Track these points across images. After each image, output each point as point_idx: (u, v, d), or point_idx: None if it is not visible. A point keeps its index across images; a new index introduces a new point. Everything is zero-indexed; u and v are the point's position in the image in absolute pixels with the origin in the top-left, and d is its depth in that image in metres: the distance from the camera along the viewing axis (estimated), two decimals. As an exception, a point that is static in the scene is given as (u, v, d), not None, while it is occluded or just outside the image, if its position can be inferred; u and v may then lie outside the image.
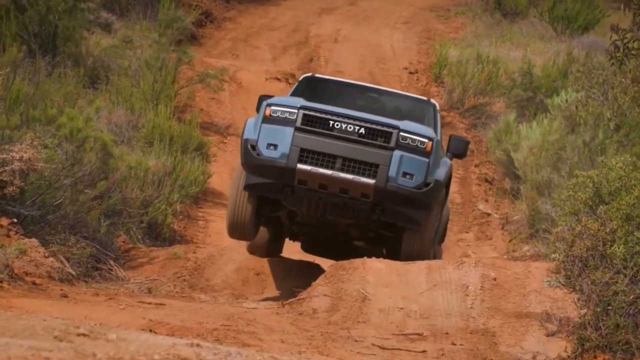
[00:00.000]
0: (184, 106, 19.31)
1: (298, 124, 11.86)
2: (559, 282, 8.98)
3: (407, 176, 11.88)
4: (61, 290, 10.32)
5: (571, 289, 8.96)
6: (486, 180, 17.49)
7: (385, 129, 11.97)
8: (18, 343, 6.08)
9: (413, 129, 12.09)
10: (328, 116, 11.95)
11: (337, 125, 11.90)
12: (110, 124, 16.06)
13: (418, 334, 10.43)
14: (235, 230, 12.34)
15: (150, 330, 8.26)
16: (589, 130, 14.71)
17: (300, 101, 12.17)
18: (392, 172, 11.83)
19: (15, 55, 14.28)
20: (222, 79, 20.09)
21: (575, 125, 14.97)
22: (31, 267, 10.51)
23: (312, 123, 11.92)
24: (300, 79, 13.62)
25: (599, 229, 8.63)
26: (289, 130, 11.86)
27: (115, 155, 13.51)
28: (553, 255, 9.24)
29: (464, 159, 18.68)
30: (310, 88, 13.40)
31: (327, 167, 11.83)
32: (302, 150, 11.81)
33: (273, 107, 11.97)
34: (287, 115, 11.92)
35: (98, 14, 19.29)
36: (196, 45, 23.06)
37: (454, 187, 17.35)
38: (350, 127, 11.90)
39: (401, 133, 11.95)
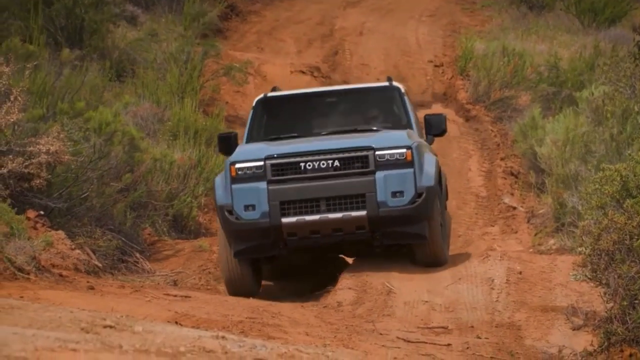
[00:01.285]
0: (210, 99, 19.35)
1: (269, 176, 11.25)
2: (585, 275, 8.94)
3: (397, 194, 11.32)
4: (88, 282, 10.37)
5: (597, 283, 8.92)
6: (512, 174, 17.44)
7: (359, 153, 11.35)
8: (45, 334, 6.12)
9: (387, 142, 11.45)
10: (297, 159, 11.31)
11: (309, 165, 11.29)
12: (136, 117, 16.12)
13: (443, 327, 10.42)
14: (238, 292, 11.52)
15: (176, 323, 8.30)
16: (616, 124, 14.64)
17: (262, 149, 11.47)
18: (381, 196, 11.27)
19: (43, 49, 14.36)
20: (247, 72, 20.12)
21: (603, 119, 14.90)
22: (58, 259, 10.56)
23: (282, 171, 11.30)
24: (254, 102, 12.77)
25: (625, 223, 8.60)
26: (262, 186, 11.23)
27: (141, 148, 13.56)
28: (579, 249, 9.20)
29: (489, 152, 18.73)
30: (267, 112, 12.60)
31: (313, 213, 11.24)
32: (282, 203, 11.21)
33: (237, 165, 11.31)
34: (254, 170, 11.28)
35: (124, 7, 19.37)
36: (221, 39, 23.09)
37: (479, 181, 17.33)
38: (323, 164, 11.30)
39: (377, 152, 11.34)
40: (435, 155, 12.18)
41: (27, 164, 11.11)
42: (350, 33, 24.09)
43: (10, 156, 11.03)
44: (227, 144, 12.06)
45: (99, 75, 16.15)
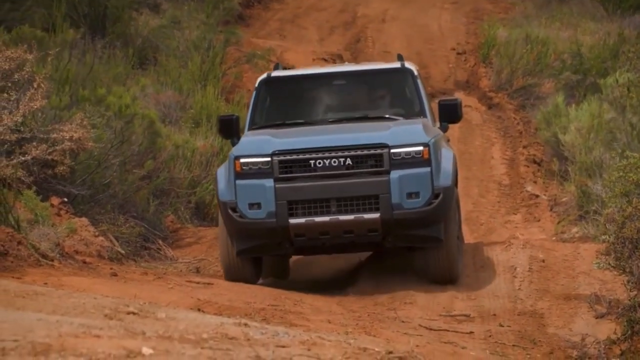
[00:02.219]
0: (232, 87, 19.37)
1: (276, 174, 10.52)
2: (609, 264, 8.92)
3: (413, 196, 10.55)
4: (111, 269, 10.42)
5: (621, 271, 8.90)
6: (534, 162, 17.39)
7: (373, 151, 10.57)
8: (69, 321, 6.15)
9: (403, 139, 10.66)
10: (306, 155, 10.55)
11: (319, 162, 10.53)
12: (158, 104, 16.16)
13: (465, 315, 10.42)
14: (237, 281, 10.93)
15: (199, 310, 8.33)
16: (639, 111, 14.58)
17: (270, 142, 10.69)
18: (395, 197, 10.49)
19: (68, 37, 14.39)
20: (270, 59, 20.12)
21: (627, 107, 14.84)
22: (81, 245, 10.61)
23: (291, 168, 10.56)
24: (257, 83, 11.91)
25: (649, 211, 8.57)
26: (269, 183, 10.51)
27: (162, 134, 13.60)
28: (603, 237, 9.18)
29: (511, 139, 18.67)
30: (271, 93, 11.80)
31: (322, 214, 10.51)
32: (290, 202, 10.48)
33: (242, 160, 10.59)
34: (260, 166, 10.55)
35: (147, -5, 19.38)
36: (243, 26, 23.10)
37: (501, 168, 17.29)
38: (334, 162, 10.53)
39: (392, 150, 10.56)
40: (451, 148, 11.50)
41: (50, 151, 11.16)
42: (372, 20, 24.05)
43: (34, 143, 11.08)
44: (228, 127, 11.43)
45: (121, 63, 16.18)
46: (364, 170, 10.57)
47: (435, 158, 10.69)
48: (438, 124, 11.66)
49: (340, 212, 10.52)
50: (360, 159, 10.57)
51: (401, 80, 11.89)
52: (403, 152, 10.58)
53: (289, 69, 12.93)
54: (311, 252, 11.39)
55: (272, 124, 11.45)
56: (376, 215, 10.51)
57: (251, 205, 10.50)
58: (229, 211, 10.55)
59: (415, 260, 11.23)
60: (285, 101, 11.83)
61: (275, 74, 11.98)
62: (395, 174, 10.54)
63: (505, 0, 25.61)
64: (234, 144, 11.17)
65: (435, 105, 11.93)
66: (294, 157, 10.56)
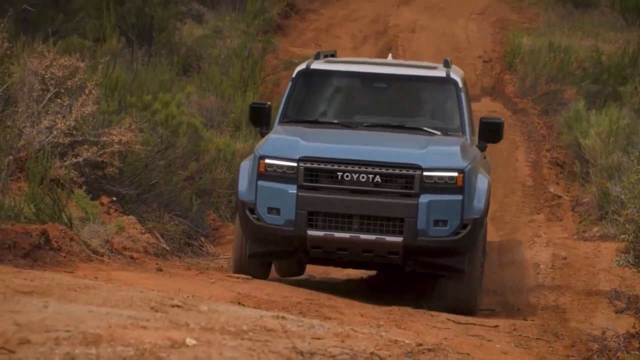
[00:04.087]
0: (270, 93, 19.38)
1: (300, 181, 9.60)
2: (628, 261, 8.86)
3: (440, 224, 9.55)
4: (156, 264, 10.45)
5: None
6: (557, 164, 17.28)
7: (404, 172, 9.57)
8: (118, 313, 6.18)
9: (438, 161, 9.65)
10: (335, 166, 9.60)
11: (347, 176, 9.57)
12: (201, 109, 16.19)
13: (491, 310, 10.38)
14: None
15: (239, 303, 8.33)
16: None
17: (298, 146, 9.74)
18: (422, 223, 9.50)
19: (115, 46, 14.47)
20: (306, 67, 20.09)
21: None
22: (129, 242, 10.64)
23: (316, 177, 9.64)
24: (295, 73, 10.88)
25: (667, 211, 8.50)
26: (291, 190, 9.59)
27: (205, 138, 13.63)
28: (622, 236, 9.11)
29: (535, 143, 18.59)
30: (307, 87, 10.76)
31: (343, 230, 9.57)
32: (310, 213, 9.56)
33: (267, 161, 9.69)
34: (285, 170, 9.64)
35: (190, 6, 19.46)
36: (281, 35, 23.12)
37: (525, 170, 17.20)
38: (363, 177, 9.56)
39: (425, 173, 9.54)
40: (488, 174, 10.44)
41: (100, 153, 11.22)
42: (403, 30, 24.00)
43: (86, 146, 11.15)
44: (260, 115, 10.51)
45: (167, 71, 16.24)
46: (393, 190, 9.58)
47: (468, 186, 9.65)
48: (476, 141, 10.62)
49: (361, 231, 9.58)
50: (390, 177, 9.59)
51: (444, 91, 10.72)
52: (436, 176, 9.58)
53: (331, 55, 11.45)
54: (326, 264, 10.63)
55: (305, 119, 10.54)
56: (399, 239, 9.54)
57: (270, 210, 9.65)
58: (247, 212, 9.75)
59: (434, 285, 10.49)
60: (322, 97, 10.78)
61: (314, 65, 10.88)
62: (424, 199, 9.53)
63: (529, 11, 25.48)
64: (262, 134, 10.43)
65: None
66: (322, 166, 9.63)
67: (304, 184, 9.59)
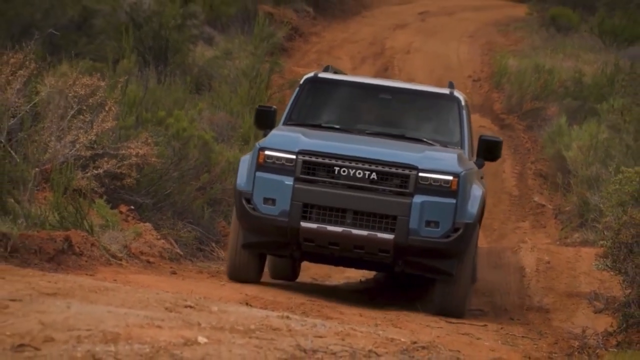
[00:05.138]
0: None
1: (298, 173, 9.14)
2: (607, 265, 8.84)
3: (432, 224, 9.07)
4: (171, 268, 10.44)
5: (617, 272, 8.82)
6: (541, 175, 17.28)
7: (401, 171, 9.13)
8: (135, 313, 6.16)
9: (434, 164, 9.20)
10: (332, 161, 9.16)
11: (344, 171, 9.11)
12: (212, 124, 16.19)
13: (480, 310, 10.35)
14: (238, 278, 9.79)
15: (247, 304, 8.31)
16: (633, 131, 14.46)
17: (298, 141, 9.31)
18: (414, 223, 9.03)
19: (133, 66, 14.47)
20: (309, 86, 20.07)
21: (622, 128, 14.73)
22: (145, 247, 10.63)
23: (314, 171, 9.18)
24: (302, 80, 10.42)
25: (642, 219, 8.49)
26: (288, 182, 9.12)
27: (216, 151, 13.63)
28: (601, 242, 9.10)
29: (521, 156, 18.59)
30: (314, 93, 10.31)
31: (336, 224, 9.09)
32: (305, 205, 9.09)
33: (267, 153, 9.23)
34: (284, 162, 9.18)
35: (202, 29, 19.46)
36: (286, 57, 23.14)
37: (512, 181, 17.19)
38: (359, 173, 9.10)
39: (420, 174, 9.11)
40: (483, 186, 9.91)
41: (119, 165, 11.22)
42: (398, 52, 24.01)
43: (105, 158, 11.15)
44: (265, 117, 10.01)
45: (180, 89, 16.25)
46: (388, 188, 9.13)
47: (463, 191, 9.19)
48: (474, 159, 10.11)
49: (354, 226, 9.10)
50: (386, 175, 9.15)
51: (447, 107, 10.27)
52: (431, 177, 9.13)
53: (340, 72, 11.02)
54: (317, 260, 10.09)
55: (309, 123, 10.04)
56: (390, 236, 9.06)
57: (266, 200, 9.16)
58: (243, 201, 9.25)
59: (427, 290, 10.22)
60: (326, 104, 10.32)
61: (322, 75, 10.45)
62: (418, 199, 9.09)
63: (515, 34, 25.50)
64: (265, 136, 9.87)
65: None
66: (320, 160, 9.17)
67: (301, 176, 9.14)
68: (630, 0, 25.15)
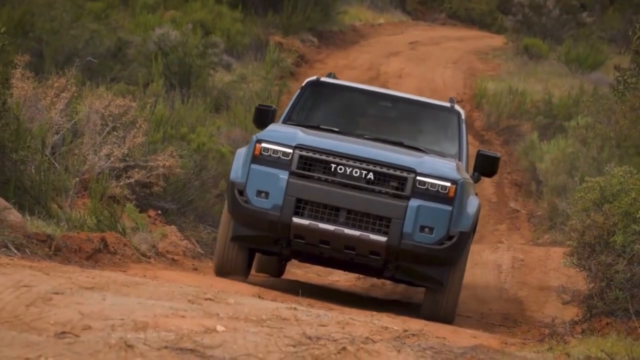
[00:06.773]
0: (285, 127, 19.38)
1: (293, 167, 7.96)
2: (573, 262, 8.83)
3: (426, 230, 7.91)
4: (193, 265, 10.43)
5: (582, 268, 8.81)
6: (516, 184, 17.27)
7: (398, 173, 7.97)
8: (162, 304, 6.16)
9: (432, 171, 8.05)
10: (329, 158, 7.99)
11: (341, 169, 7.94)
12: (229, 139, 16.18)
13: (467, 317, 10.33)
14: (224, 274, 8.73)
15: (259, 297, 8.30)
16: (596, 147, 14.46)
17: (296, 136, 8.16)
18: (408, 227, 7.86)
19: (160, 89, 14.49)
20: (314, 106, 20.08)
21: (586, 143, 14.73)
22: (171, 247, 10.63)
23: (310, 166, 7.99)
24: (304, 83, 9.39)
25: (604, 222, 8.48)
26: (283, 175, 7.96)
27: (232, 163, 13.61)
28: (568, 242, 9.09)
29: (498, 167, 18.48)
30: (315, 96, 9.26)
31: (328, 222, 7.92)
32: (299, 200, 7.91)
33: (264, 145, 8.08)
34: (280, 155, 8.00)
35: (221, 57, 19.44)
36: (294, 80, 23.15)
37: (490, 189, 17.17)
38: (356, 172, 7.92)
39: (418, 178, 7.96)
40: (478, 199, 8.71)
41: (148, 175, 11.23)
42: (392, 76, 24.02)
43: (136, 169, 11.18)
44: (264, 117, 8.98)
45: (201, 109, 16.28)
46: (384, 189, 7.96)
47: (460, 199, 8.05)
48: (470, 173, 8.99)
49: (347, 225, 7.92)
50: (384, 176, 7.98)
51: (447, 120, 9.18)
52: (429, 182, 7.98)
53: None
54: (306, 260, 8.95)
55: (307, 124, 8.89)
56: (383, 238, 7.90)
57: (259, 193, 7.98)
58: (236, 193, 8.07)
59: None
60: (327, 107, 9.24)
61: (324, 79, 9.43)
62: (414, 202, 7.92)
63: (493, 61, 25.53)
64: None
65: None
66: (317, 155, 7.99)
67: (297, 171, 7.96)
68: (592, 33, 25.40)
